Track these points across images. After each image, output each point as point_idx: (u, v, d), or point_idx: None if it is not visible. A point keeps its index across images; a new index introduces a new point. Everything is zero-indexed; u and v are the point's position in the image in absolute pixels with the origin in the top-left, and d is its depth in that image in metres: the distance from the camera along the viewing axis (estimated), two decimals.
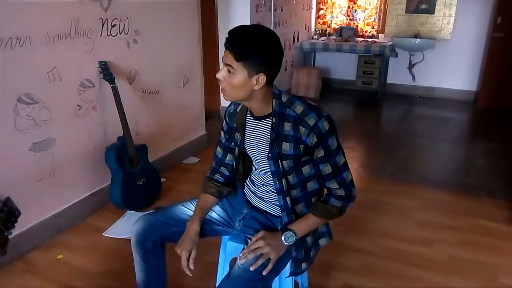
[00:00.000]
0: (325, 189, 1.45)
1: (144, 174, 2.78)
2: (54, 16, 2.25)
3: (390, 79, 6.25)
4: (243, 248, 1.40)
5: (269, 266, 1.33)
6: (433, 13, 5.68)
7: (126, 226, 2.53)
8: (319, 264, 1.98)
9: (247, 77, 1.27)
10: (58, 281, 2.11)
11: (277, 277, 1.45)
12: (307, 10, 6.15)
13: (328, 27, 6.47)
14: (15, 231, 1.19)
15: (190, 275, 1.42)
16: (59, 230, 2.49)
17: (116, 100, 2.58)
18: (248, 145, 1.48)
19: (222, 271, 1.75)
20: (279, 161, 1.38)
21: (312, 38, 6.41)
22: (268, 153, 1.40)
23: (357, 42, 5.88)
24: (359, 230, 2.57)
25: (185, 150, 3.64)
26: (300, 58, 6.18)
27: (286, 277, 1.49)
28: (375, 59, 5.85)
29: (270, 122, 1.38)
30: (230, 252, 1.67)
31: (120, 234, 2.49)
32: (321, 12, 6.46)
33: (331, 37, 6.32)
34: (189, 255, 1.41)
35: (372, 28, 6.17)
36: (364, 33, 6.22)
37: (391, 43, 5.80)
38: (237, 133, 1.50)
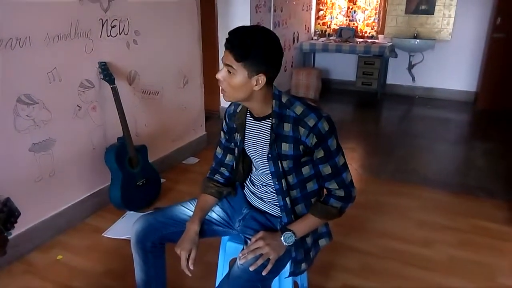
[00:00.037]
0: (325, 190, 1.46)
1: (143, 174, 2.78)
2: (54, 16, 2.25)
3: (390, 80, 6.25)
4: (243, 249, 1.40)
5: (269, 266, 1.33)
6: (433, 14, 5.69)
7: (125, 227, 2.53)
8: (319, 264, 1.98)
9: (247, 78, 1.28)
10: (57, 282, 2.11)
11: (277, 278, 1.45)
12: (306, 10, 6.15)
13: (327, 27, 6.48)
14: (15, 232, 1.19)
15: (190, 275, 1.42)
16: (58, 230, 2.49)
17: (116, 100, 2.58)
18: (248, 146, 1.49)
19: (221, 271, 1.75)
20: (279, 161, 1.39)
21: (312, 39, 6.42)
22: (268, 154, 1.40)
23: (357, 42, 5.89)
24: (359, 231, 2.57)
25: (185, 150, 3.64)
26: (299, 58, 6.18)
27: (285, 277, 1.49)
28: (374, 60, 5.85)
29: (270, 123, 1.38)
30: (230, 253, 1.67)
31: (120, 235, 2.49)
32: (321, 12, 6.46)
33: (330, 38, 6.33)
34: (189, 255, 1.42)
35: (372, 29, 6.17)
36: (363, 33, 6.23)
37: (390, 43, 5.81)
38: (237, 134, 1.50)
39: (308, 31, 6.36)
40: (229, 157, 1.60)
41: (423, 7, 5.73)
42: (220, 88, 1.34)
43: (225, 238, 1.71)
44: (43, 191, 2.37)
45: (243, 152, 1.53)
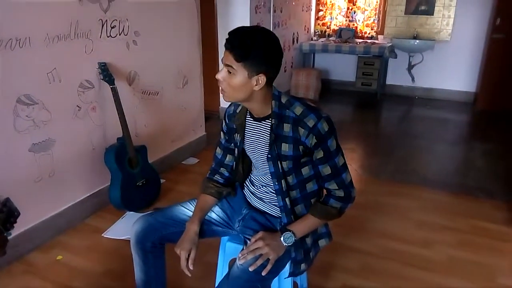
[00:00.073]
0: (325, 190, 1.46)
1: (143, 175, 2.78)
2: (54, 17, 2.25)
3: (390, 80, 6.25)
4: (242, 249, 1.40)
5: (268, 267, 1.33)
6: (432, 15, 5.69)
7: (125, 227, 2.53)
8: (319, 265, 1.98)
9: (247, 78, 1.28)
10: (57, 282, 2.11)
11: (277, 278, 1.46)
12: (306, 11, 6.15)
13: (327, 28, 6.48)
14: (15, 232, 1.19)
15: (190, 275, 1.42)
16: (58, 230, 2.49)
17: (116, 101, 2.58)
18: (248, 146, 1.49)
19: (221, 271, 1.75)
20: (279, 162, 1.39)
21: (312, 39, 6.42)
22: (267, 154, 1.40)
23: (357, 43, 5.89)
24: (359, 231, 2.57)
25: (185, 151, 3.64)
26: (299, 59, 6.18)
27: (285, 278, 1.49)
28: (374, 60, 5.86)
29: (270, 123, 1.38)
30: (229, 253, 1.67)
31: (120, 235, 2.49)
32: (321, 13, 6.47)
33: (330, 38, 6.33)
34: (189, 255, 1.42)
35: (372, 29, 6.18)
36: (363, 34, 6.23)
37: (390, 44, 5.81)
38: (236, 134, 1.50)
39: (307, 32, 6.36)
40: (229, 158, 1.60)
41: (422, 7, 5.74)
42: (220, 88, 1.34)
43: (224, 239, 1.71)
44: (43, 192, 2.37)
45: (243, 153, 1.53)
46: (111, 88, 2.56)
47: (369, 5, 6.12)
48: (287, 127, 1.35)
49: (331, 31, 6.45)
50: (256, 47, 1.24)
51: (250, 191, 1.59)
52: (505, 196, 3.04)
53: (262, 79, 1.29)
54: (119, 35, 2.70)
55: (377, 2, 6.04)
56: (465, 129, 5.07)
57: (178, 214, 1.57)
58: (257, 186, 1.55)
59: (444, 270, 2.23)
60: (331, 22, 6.44)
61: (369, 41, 6.04)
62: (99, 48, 2.56)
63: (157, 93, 3.18)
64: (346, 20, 6.33)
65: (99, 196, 2.74)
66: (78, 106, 2.50)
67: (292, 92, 5.68)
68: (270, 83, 1.34)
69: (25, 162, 2.24)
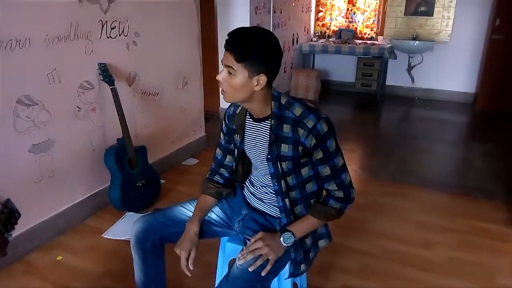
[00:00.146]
0: (324, 191, 1.46)
1: (143, 175, 2.78)
2: (54, 18, 2.25)
3: (389, 81, 6.26)
4: (242, 249, 1.41)
5: (268, 267, 1.33)
6: (432, 15, 5.70)
7: (125, 228, 2.53)
8: (318, 265, 1.98)
9: (247, 78, 1.28)
10: (57, 282, 2.11)
11: (276, 279, 1.46)
12: (306, 12, 6.16)
13: (327, 29, 6.49)
14: (15, 233, 1.19)
15: (189, 275, 1.43)
16: (58, 231, 2.49)
17: (116, 102, 2.58)
18: (248, 147, 1.49)
19: (221, 272, 1.75)
20: (278, 162, 1.39)
21: (311, 40, 6.43)
22: (267, 155, 1.40)
23: (356, 44, 5.90)
24: (358, 232, 2.57)
25: (185, 151, 3.65)
26: (299, 60, 6.19)
27: (285, 279, 1.49)
28: (374, 61, 5.87)
29: (269, 124, 1.39)
30: (229, 253, 1.68)
31: (120, 236, 2.49)
32: (320, 14, 6.47)
33: (330, 39, 6.34)
34: (188, 256, 1.42)
35: (371, 30, 6.18)
36: (363, 35, 6.23)
37: (390, 45, 5.82)
38: (236, 135, 1.50)
39: (307, 33, 6.37)
40: (228, 158, 1.60)
41: (422, 8, 5.75)
42: (221, 89, 1.35)
43: (224, 239, 1.71)
44: (43, 192, 2.37)
45: (242, 153, 1.53)
46: (111, 88, 2.57)
47: (368, 6, 6.13)
48: (286, 128, 1.36)
49: (330, 32, 6.46)
50: (256, 47, 1.25)
51: (249, 192, 1.60)
52: (505, 197, 3.04)
53: (262, 79, 1.29)
54: (119, 36, 2.71)
55: (376, 3, 6.05)
56: (465, 129, 5.07)
57: (178, 214, 1.57)
58: (256, 186, 1.56)
59: (444, 270, 2.23)
60: (330, 23, 6.45)
61: (368, 42, 6.04)
62: (99, 49, 2.56)
63: (157, 94, 3.18)
64: (345, 21, 6.34)
65: (99, 196, 2.75)
66: (78, 107, 2.51)
67: (292, 93, 5.68)
68: (270, 84, 1.34)
69: (25, 162, 2.24)
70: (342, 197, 1.41)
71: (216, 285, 1.75)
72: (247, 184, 1.62)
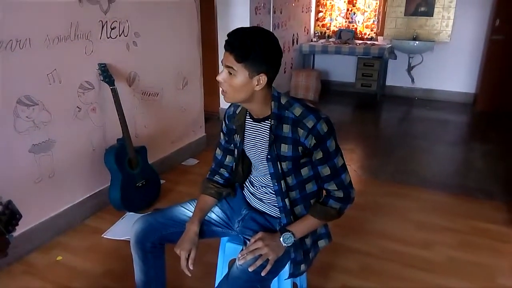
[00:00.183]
0: (324, 191, 1.46)
1: (143, 175, 2.78)
2: (54, 18, 2.25)
3: (389, 81, 6.26)
4: (242, 249, 1.41)
5: (268, 267, 1.33)
6: (432, 16, 5.70)
7: (125, 228, 2.53)
8: (318, 265, 1.98)
9: (248, 78, 1.28)
10: (57, 282, 2.11)
11: (276, 279, 1.46)
12: (306, 12, 6.16)
13: (327, 29, 6.49)
14: (15, 233, 1.19)
15: (189, 275, 1.43)
16: (58, 231, 2.50)
17: (116, 102, 2.58)
18: (248, 147, 1.49)
19: (221, 272, 1.75)
20: (278, 162, 1.39)
21: (311, 41, 6.43)
22: (267, 155, 1.40)
23: (356, 44, 5.90)
24: (358, 232, 2.57)
25: (185, 152, 3.65)
26: (299, 60, 6.19)
27: (285, 279, 1.49)
28: (374, 62, 5.87)
29: (269, 124, 1.39)
30: (229, 253, 1.68)
31: (120, 236, 2.49)
32: (320, 14, 6.48)
33: (330, 40, 6.34)
34: (188, 256, 1.42)
35: (371, 31, 6.18)
36: (363, 35, 6.24)
37: (390, 45, 5.82)
38: (236, 135, 1.50)
39: (307, 33, 6.37)
40: (228, 158, 1.60)
41: (422, 9, 5.75)
42: (221, 89, 1.35)
43: (224, 239, 1.71)
44: (43, 192, 2.37)
45: (242, 153, 1.53)
46: (111, 89, 2.57)
47: (368, 7, 6.13)
48: (286, 128, 1.36)
49: (330, 32, 6.46)
50: (256, 47, 1.25)
51: (249, 192, 1.60)
52: (505, 197, 3.04)
53: (263, 79, 1.29)
54: (119, 36, 2.71)
55: (376, 3, 6.05)
56: (465, 130, 5.07)
57: (178, 214, 1.58)
58: (256, 186, 1.56)
59: (444, 270, 2.23)
60: (330, 23, 6.45)
61: (368, 42, 6.05)
62: (99, 49, 2.56)
63: (157, 94, 3.18)
64: (345, 21, 6.34)
65: (99, 196, 2.75)
66: (78, 107, 2.51)
67: (292, 93, 5.69)
68: (270, 84, 1.35)
69: (25, 162, 2.24)
70: (342, 197, 1.41)
71: (216, 285, 1.75)
72: (247, 184, 1.62)
